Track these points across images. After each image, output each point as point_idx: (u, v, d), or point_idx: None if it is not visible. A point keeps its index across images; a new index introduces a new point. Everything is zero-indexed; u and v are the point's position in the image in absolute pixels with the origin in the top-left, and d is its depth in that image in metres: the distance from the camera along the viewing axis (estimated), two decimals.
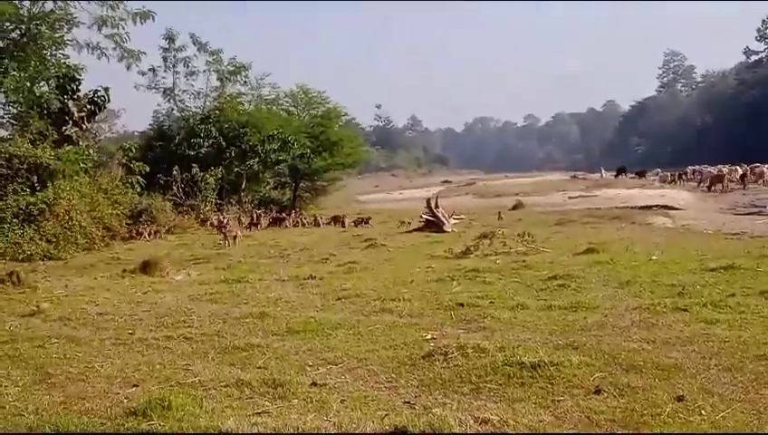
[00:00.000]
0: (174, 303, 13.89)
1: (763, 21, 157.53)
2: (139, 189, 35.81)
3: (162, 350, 10.15)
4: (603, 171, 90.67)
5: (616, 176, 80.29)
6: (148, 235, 32.26)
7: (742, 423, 6.75)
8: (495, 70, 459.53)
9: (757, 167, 65.34)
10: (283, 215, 42.06)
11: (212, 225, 34.86)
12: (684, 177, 70.67)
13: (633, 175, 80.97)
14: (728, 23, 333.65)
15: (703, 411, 6.99)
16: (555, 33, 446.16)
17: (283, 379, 8.29)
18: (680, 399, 7.27)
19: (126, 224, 32.11)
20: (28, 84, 28.41)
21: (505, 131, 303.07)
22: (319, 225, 39.26)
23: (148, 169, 37.14)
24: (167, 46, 48.70)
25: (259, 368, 8.97)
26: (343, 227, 37.63)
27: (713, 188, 57.96)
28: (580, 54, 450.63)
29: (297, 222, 40.63)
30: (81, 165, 29.79)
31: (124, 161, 36.96)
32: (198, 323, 11.76)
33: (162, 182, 41.06)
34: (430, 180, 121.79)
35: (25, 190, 26.73)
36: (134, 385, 8.45)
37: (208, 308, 13.17)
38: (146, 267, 18.88)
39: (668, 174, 74.90)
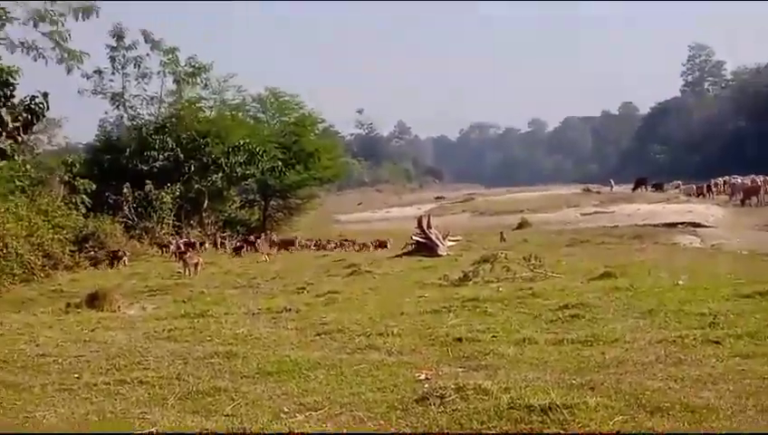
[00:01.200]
0: (127, 341, 13.86)
1: None
2: (84, 210, 35.74)
3: (114, 396, 10.11)
4: (613, 184, 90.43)
5: (634, 189, 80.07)
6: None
7: None
8: (496, 70, 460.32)
9: None
10: (293, 237, 42.11)
11: (176, 253, 34.33)
12: (714, 189, 70.68)
13: (650, 188, 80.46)
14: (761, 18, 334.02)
15: None
16: (565, 28, 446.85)
17: (254, 428, 8.27)
18: None
19: (69, 251, 31.97)
20: None
21: (507, 139, 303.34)
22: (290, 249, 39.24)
23: (94, 186, 37.18)
24: (114, 45, 48.71)
25: (227, 416, 8.93)
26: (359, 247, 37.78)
27: (747, 201, 58.08)
28: (593, 52, 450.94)
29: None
30: (17, 183, 29.73)
31: (67, 178, 36.93)
32: (155, 365, 11.74)
33: (111, 202, 41.04)
34: (421, 196, 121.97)
35: None
36: None
37: (167, 347, 13.15)
38: (93, 301, 18.86)
39: (693, 186, 74.85)
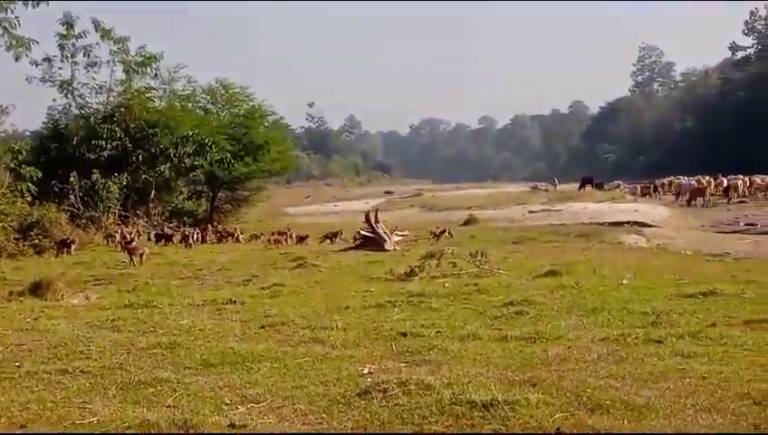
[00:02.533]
0: (69, 331, 13.73)
1: (752, 13, 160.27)
2: (29, 198, 35.40)
3: (55, 385, 10.01)
4: (557, 182, 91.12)
5: (580, 187, 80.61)
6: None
7: None
8: (446, 66, 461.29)
9: (737, 178, 66.16)
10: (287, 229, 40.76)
11: (123, 243, 33.33)
12: (660, 189, 71.24)
13: (591, 187, 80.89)
14: (711, 19, 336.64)
15: None
16: (514, 25, 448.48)
17: (195, 419, 8.23)
18: None
19: (14, 239, 31.66)
20: None
21: (457, 135, 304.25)
22: (239, 241, 38.97)
23: (40, 174, 36.81)
24: (64, 33, 48.15)
25: (168, 407, 8.89)
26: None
27: (693, 202, 58.60)
28: (542, 50, 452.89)
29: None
30: None
31: (13, 165, 36.54)
32: (98, 355, 11.64)
33: (57, 190, 40.70)
34: (370, 191, 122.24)
35: None
36: (21, 426, 8.34)
37: (110, 337, 13.05)
38: (37, 289, 18.66)
39: (638, 186, 75.43)
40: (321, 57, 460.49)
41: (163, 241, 37.01)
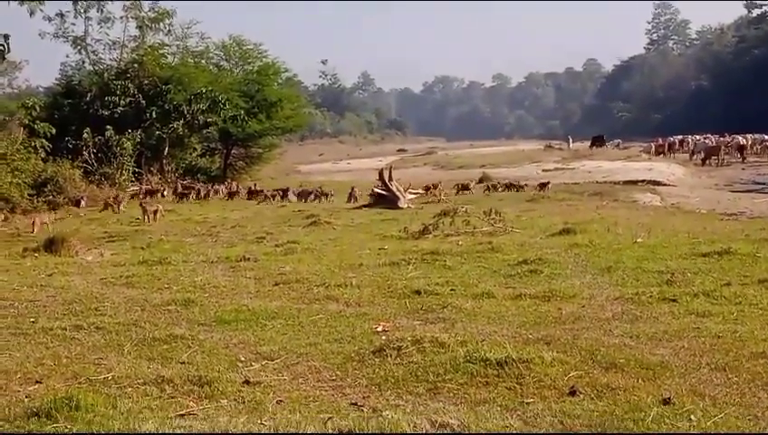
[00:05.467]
0: (84, 287, 13.78)
1: None
2: (43, 155, 35.38)
3: (70, 341, 10.04)
4: (571, 141, 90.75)
5: (591, 146, 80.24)
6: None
7: (736, 430, 6.78)
8: (460, 24, 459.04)
9: (744, 137, 65.97)
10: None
11: (141, 203, 32.84)
12: (674, 148, 70.92)
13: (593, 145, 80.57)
14: None
15: (692, 416, 7.00)
16: None
17: (210, 376, 8.24)
18: (667, 402, 7.29)
19: (28, 196, 31.68)
20: None
21: (471, 93, 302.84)
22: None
23: (54, 130, 36.75)
24: None
25: (183, 363, 8.92)
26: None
27: (707, 161, 58.32)
28: (557, 7, 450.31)
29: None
30: None
31: (26, 122, 36.52)
32: (112, 311, 11.68)
33: (71, 146, 40.66)
34: (383, 148, 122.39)
35: None
36: (37, 382, 8.35)
37: (124, 293, 13.10)
38: (51, 246, 18.70)
39: (652, 145, 75.11)
40: (334, 13, 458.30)
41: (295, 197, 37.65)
